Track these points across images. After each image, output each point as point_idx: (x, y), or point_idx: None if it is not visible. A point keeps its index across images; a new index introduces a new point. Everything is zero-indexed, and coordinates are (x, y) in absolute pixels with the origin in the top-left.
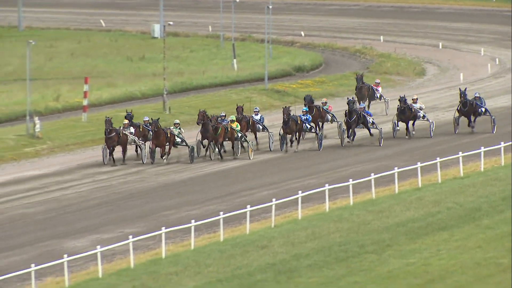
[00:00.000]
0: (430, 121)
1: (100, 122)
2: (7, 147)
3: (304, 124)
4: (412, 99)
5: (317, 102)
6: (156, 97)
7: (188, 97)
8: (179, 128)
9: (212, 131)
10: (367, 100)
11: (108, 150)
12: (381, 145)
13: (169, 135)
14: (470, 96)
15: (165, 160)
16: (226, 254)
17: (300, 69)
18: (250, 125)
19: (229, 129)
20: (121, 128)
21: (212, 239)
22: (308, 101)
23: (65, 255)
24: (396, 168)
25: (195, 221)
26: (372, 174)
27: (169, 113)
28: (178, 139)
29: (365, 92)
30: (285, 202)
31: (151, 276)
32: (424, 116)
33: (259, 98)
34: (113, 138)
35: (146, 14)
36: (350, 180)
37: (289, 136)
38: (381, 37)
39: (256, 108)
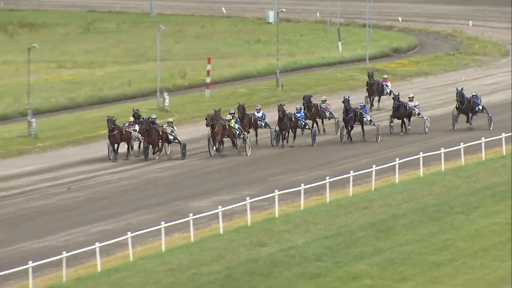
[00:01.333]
0: (425, 118)
1: (222, 98)
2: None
3: (298, 121)
4: (408, 97)
5: (317, 101)
6: (270, 75)
7: (298, 76)
8: (172, 126)
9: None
10: (378, 95)
11: (112, 147)
12: (378, 141)
13: (161, 133)
14: (468, 95)
15: (156, 157)
16: (332, 214)
17: (397, 51)
18: (252, 122)
19: (227, 127)
20: (125, 125)
21: (319, 201)
22: (307, 100)
23: (191, 214)
24: (483, 138)
25: (304, 185)
26: (462, 143)
27: (282, 89)
28: (171, 137)
29: (375, 88)
30: (383, 168)
31: (265, 233)
32: (419, 114)
33: (361, 77)
34: (116, 135)
35: (261, 2)
36: (442, 149)
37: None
38: (470, 22)
39: (257, 106)
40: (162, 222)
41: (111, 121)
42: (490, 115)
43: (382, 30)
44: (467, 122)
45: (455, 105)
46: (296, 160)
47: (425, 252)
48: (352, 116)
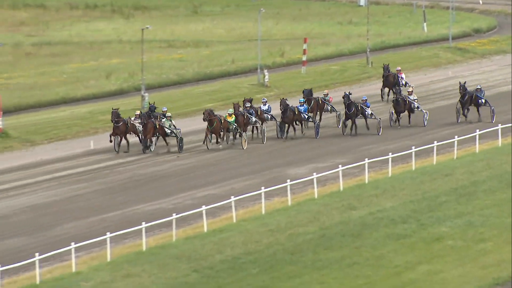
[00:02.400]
0: (424, 111)
1: (316, 75)
2: (242, 94)
3: (301, 114)
4: (408, 91)
5: (319, 94)
6: (361, 54)
7: (386, 54)
8: (170, 120)
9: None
10: (394, 87)
11: (118, 139)
12: (379, 134)
13: (157, 127)
14: (472, 88)
15: (152, 149)
16: (417, 180)
17: (478, 31)
18: (258, 115)
19: (222, 121)
20: (129, 118)
21: (405, 168)
22: (307, 94)
23: (288, 180)
24: None
25: (392, 154)
26: None
27: (371, 66)
28: (168, 131)
29: (391, 80)
30: (465, 138)
31: (356, 198)
32: (418, 107)
33: (444, 55)
34: (121, 127)
35: None
36: None
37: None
38: None
39: (263, 99)
40: (262, 188)
41: (115, 114)
42: (492, 108)
43: (464, 12)
44: (463, 114)
45: (458, 99)
46: (383, 132)
47: (503, 215)
48: (354, 111)
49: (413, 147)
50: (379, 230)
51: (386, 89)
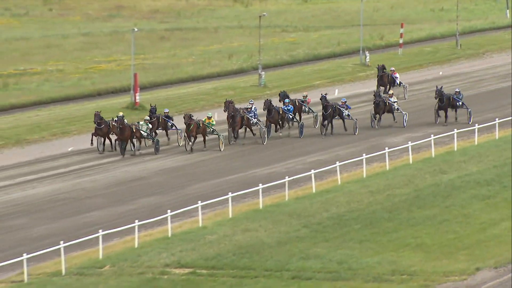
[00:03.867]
0: (404, 113)
1: (411, 55)
2: (346, 72)
3: (286, 114)
4: (388, 93)
5: (299, 96)
6: (450, 37)
7: (473, 37)
8: (148, 124)
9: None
10: (388, 86)
11: (102, 139)
12: (356, 133)
13: (134, 131)
14: (451, 91)
15: (137, 152)
16: (500, 148)
17: None
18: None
19: (201, 125)
20: (112, 120)
21: (490, 137)
22: (282, 96)
23: (386, 148)
24: None
25: (478, 125)
26: None
27: (460, 48)
28: (144, 134)
29: (386, 80)
30: None
31: (446, 163)
32: (398, 109)
33: None
34: (103, 129)
35: None
36: None
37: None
38: None
39: (250, 101)
40: (364, 154)
41: (98, 116)
42: (469, 110)
43: None
44: (439, 115)
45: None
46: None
47: None
48: (330, 112)
49: (497, 119)
50: (466, 191)
51: (382, 88)
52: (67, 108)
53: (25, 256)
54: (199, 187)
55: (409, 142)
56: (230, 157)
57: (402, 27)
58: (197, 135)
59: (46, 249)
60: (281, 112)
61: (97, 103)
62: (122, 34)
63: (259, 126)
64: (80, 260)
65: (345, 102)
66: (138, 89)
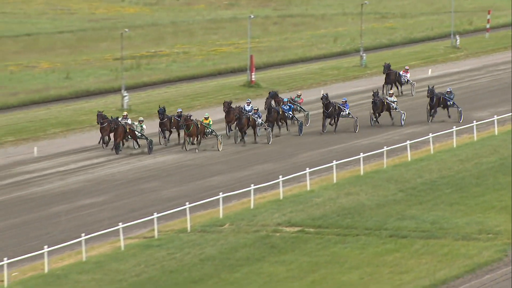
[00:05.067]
0: (402, 112)
1: (498, 39)
2: (438, 54)
3: (286, 113)
4: (389, 93)
5: (293, 95)
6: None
7: None
8: (141, 126)
9: (184, 128)
10: (395, 84)
11: (106, 138)
12: (356, 131)
13: (128, 130)
14: (443, 90)
15: (134, 151)
16: None
17: None
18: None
19: (199, 125)
20: (116, 118)
21: None
22: (272, 95)
23: (474, 121)
24: None
25: None
26: None
27: None
28: (139, 134)
29: (393, 78)
30: None
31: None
32: (396, 108)
33: None
34: (105, 127)
35: None
36: None
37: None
38: None
39: (248, 100)
40: (454, 127)
41: (100, 116)
42: (460, 109)
43: None
44: (430, 115)
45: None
46: None
47: None
48: (331, 111)
49: None
50: None
51: (388, 85)
52: (192, 86)
53: (155, 215)
54: (307, 156)
55: (495, 116)
56: (332, 131)
57: (489, 13)
58: (196, 135)
59: (174, 209)
60: (280, 112)
61: (218, 81)
62: (240, 20)
63: (264, 127)
64: (203, 219)
65: (346, 101)
66: (254, 69)
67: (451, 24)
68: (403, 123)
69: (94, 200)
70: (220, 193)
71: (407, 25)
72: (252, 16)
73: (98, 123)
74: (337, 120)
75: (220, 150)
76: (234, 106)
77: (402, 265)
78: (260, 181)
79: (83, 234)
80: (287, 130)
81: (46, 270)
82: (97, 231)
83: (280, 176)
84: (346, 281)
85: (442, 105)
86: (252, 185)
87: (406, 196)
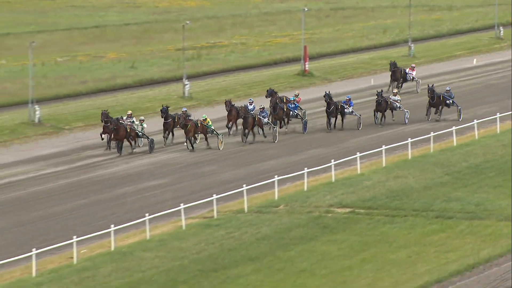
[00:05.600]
0: (405, 111)
1: None
2: (483, 44)
3: (291, 111)
4: (393, 92)
5: (290, 94)
6: None
7: None
8: (142, 125)
9: (182, 127)
10: (401, 81)
11: (108, 136)
12: (359, 129)
13: (128, 130)
14: (442, 90)
15: (134, 150)
16: None
17: None
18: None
19: (199, 125)
20: (121, 117)
21: None
22: (270, 93)
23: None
24: None
25: None
26: None
27: None
28: (140, 133)
29: (398, 75)
30: None
31: None
32: (400, 107)
33: None
34: (109, 126)
35: None
36: None
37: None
38: None
39: (250, 99)
40: (497, 113)
41: (104, 115)
42: (459, 108)
43: None
44: (435, 113)
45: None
46: None
47: None
48: (333, 109)
49: None
50: None
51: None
52: (249, 75)
53: (214, 196)
54: (357, 141)
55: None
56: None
57: None
58: (196, 134)
59: (232, 191)
60: (285, 110)
61: (273, 71)
62: (294, 13)
63: (270, 126)
64: (259, 201)
65: (350, 99)
66: (308, 59)
67: (495, 16)
68: (407, 121)
69: (157, 182)
70: (275, 176)
71: (453, 17)
72: (306, 9)
73: (102, 122)
74: (343, 118)
75: (221, 149)
76: (239, 106)
77: (447, 245)
78: (313, 165)
79: (147, 214)
80: (286, 128)
81: (112, 248)
82: (160, 212)
83: (332, 160)
84: (394, 259)
85: (441, 104)
86: (305, 168)
87: (452, 179)
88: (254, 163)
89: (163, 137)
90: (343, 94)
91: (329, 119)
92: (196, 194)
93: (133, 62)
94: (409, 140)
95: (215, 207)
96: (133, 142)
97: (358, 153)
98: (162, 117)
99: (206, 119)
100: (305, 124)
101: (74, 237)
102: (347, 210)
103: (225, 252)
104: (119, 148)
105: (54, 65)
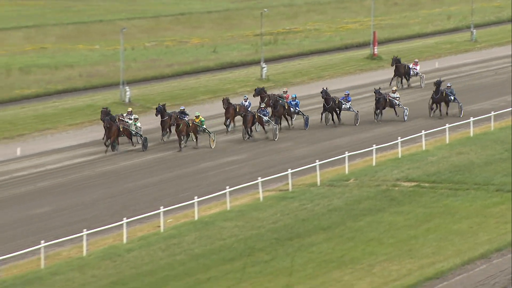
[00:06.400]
0: (405, 108)
1: None
2: None
3: (292, 108)
4: (392, 90)
5: (279, 92)
6: None
7: None
8: (135, 124)
9: (174, 126)
10: (404, 76)
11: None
12: (357, 124)
13: (121, 129)
14: (443, 86)
15: (134, 146)
16: None
17: None
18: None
19: (190, 124)
20: (121, 115)
21: None
22: (258, 92)
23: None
24: None
25: None
26: None
27: None
28: (133, 131)
29: (402, 70)
30: None
31: None
32: (399, 104)
33: None
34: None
35: None
36: None
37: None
38: None
39: (245, 96)
40: (471, 117)
41: (104, 112)
42: (460, 104)
43: None
44: (434, 110)
45: (431, 95)
46: None
47: None
48: (332, 105)
49: None
50: None
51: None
52: (322, 58)
53: (289, 171)
54: (421, 120)
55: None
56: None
57: None
58: (188, 134)
59: (305, 166)
60: (286, 107)
61: (344, 55)
62: (364, 0)
63: (270, 124)
64: (331, 175)
65: (348, 94)
66: (376, 43)
67: None
68: (406, 118)
69: (236, 158)
70: (346, 152)
71: None
72: None
73: (101, 120)
74: (339, 114)
75: (213, 147)
76: (236, 104)
77: (506, 216)
78: (380, 142)
79: (227, 187)
80: (291, 124)
81: (196, 218)
82: (239, 185)
83: (399, 137)
84: (457, 229)
85: (443, 100)
86: (373, 145)
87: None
88: (326, 140)
89: (162, 135)
90: (411, 75)
91: (327, 115)
92: (272, 168)
93: (215, 46)
94: (471, 119)
95: (290, 180)
96: (129, 140)
97: (423, 131)
98: (156, 116)
99: (198, 116)
100: (306, 120)
101: (161, 207)
102: (413, 184)
103: (299, 222)
104: (113, 146)
105: (143, 50)
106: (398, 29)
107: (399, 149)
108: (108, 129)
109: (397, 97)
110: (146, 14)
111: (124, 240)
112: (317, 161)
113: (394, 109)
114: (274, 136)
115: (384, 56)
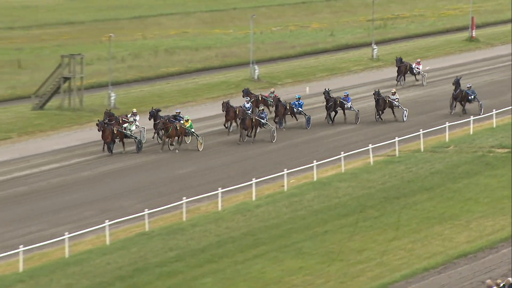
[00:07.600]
0: (404, 109)
1: None
2: None
3: (294, 108)
4: (391, 92)
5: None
6: None
7: None
8: (131, 125)
9: (163, 130)
10: (405, 76)
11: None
12: (357, 123)
13: (115, 132)
14: (463, 86)
15: (123, 151)
16: None
17: None
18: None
19: (178, 127)
20: (124, 115)
21: None
22: (246, 93)
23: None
24: None
25: None
26: None
27: None
28: (128, 134)
29: (403, 69)
30: None
31: None
32: (398, 106)
33: None
34: (113, 125)
35: None
36: None
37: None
38: None
39: (246, 98)
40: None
41: (107, 114)
42: (481, 103)
43: None
44: (455, 107)
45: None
46: None
47: None
48: (332, 104)
49: None
50: None
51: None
52: (425, 41)
53: (396, 139)
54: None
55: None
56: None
57: None
58: (178, 136)
59: (410, 134)
60: (288, 108)
61: (446, 37)
62: None
63: (269, 127)
64: (433, 142)
65: (347, 95)
66: (474, 27)
67: None
68: (405, 119)
69: (349, 128)
70: (446, 123)
71: None
72: None
73: (104, 121)
74: (344, 113)
75: (200, 150)
76: (236, 106)
77: None
78: (478, 114)
79: (342, 152)
80: (297, 120)
81: (315, 179)
82: (352, 151)
83: (494, 110)
84: None
85: (464, 99)
86: (471, 116)
87: None
88: (428, 112)
89: (157, 137)
90: (505, 55)
91: (329, 114)
92: (381, 136)
93: (332, 30)
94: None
95: (397, 147)
96: (121, 143)
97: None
98: (149, 120)
99: (188, 120)
100: (308, 120)
101: (285, 169)
102: (506, 150)
103: (405, 183)
104: (108, 148)
105: (270, 33)
106: (494, 14)
107: (494, 119)
108: (102, 132)
109: (396, 99)
110: (273, 3)
111: (253, 198)
112: (421, 130)
113: (393, 111)
114: (272, 138)
115: (481, 38)
